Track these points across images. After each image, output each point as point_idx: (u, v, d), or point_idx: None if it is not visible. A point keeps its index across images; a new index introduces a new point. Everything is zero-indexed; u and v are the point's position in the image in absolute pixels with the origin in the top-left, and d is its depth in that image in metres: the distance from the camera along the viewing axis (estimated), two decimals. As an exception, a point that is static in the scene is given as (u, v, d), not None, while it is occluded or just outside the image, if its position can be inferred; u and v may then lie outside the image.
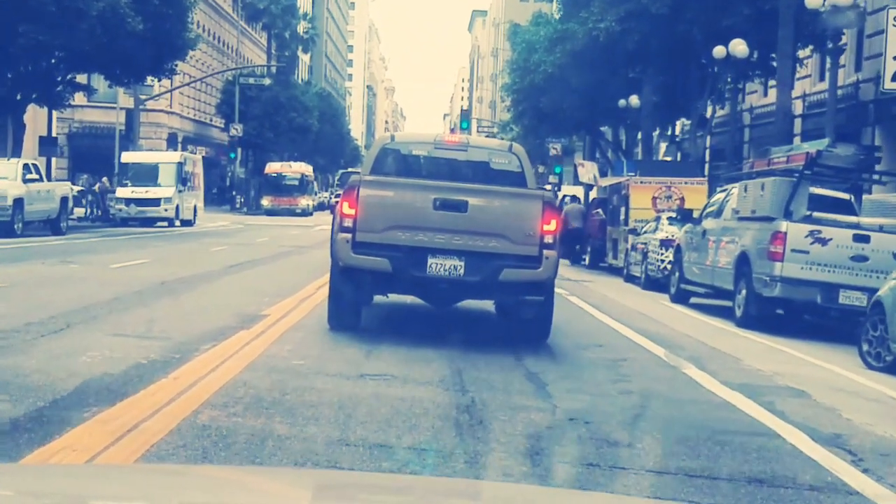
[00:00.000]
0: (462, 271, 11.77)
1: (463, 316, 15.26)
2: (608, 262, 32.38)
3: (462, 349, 11.78)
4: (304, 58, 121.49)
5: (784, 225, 16.36)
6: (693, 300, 21.33)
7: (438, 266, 11.77)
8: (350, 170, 79.57)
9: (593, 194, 42.25)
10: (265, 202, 72.66)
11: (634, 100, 43.08)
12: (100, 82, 63.54)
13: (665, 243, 24.55)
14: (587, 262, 34.10)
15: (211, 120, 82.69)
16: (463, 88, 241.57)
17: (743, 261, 17.48)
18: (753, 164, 18.74)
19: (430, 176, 12.69)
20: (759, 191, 17.17)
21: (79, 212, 45.93)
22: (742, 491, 6.68)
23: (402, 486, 3.80)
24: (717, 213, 19.80)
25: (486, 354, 11.61)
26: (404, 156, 13.25)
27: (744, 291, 17.32)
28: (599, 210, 35.12)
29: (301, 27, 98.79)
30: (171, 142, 70.16)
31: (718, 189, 21.74)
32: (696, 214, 24.50)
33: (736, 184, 19.66)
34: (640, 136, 49.61)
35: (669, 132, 46.53)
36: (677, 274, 21.61)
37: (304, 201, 73.06)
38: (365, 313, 13.09)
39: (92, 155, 65.08)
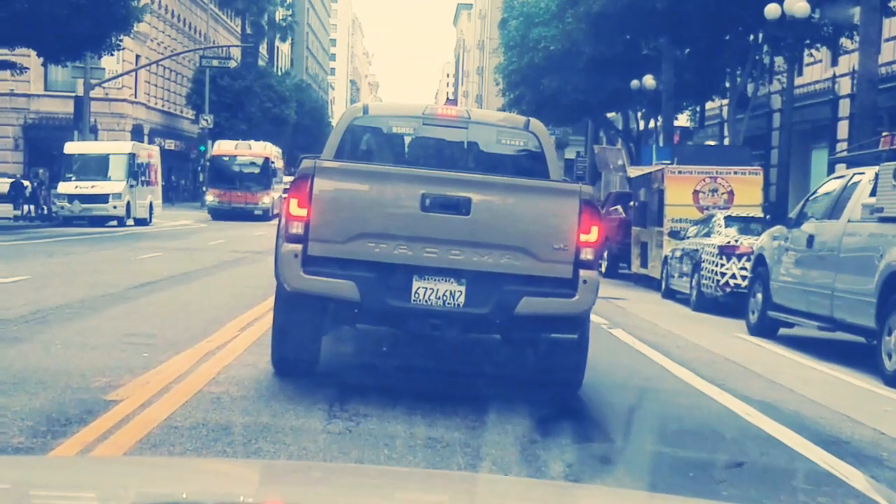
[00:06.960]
0: (462, 300, 8.48)
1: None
2: (632, 270, 26.84)
3: None
4: (285, 50, 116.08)
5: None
6: (782, 331, 15.34)
7: (428, 292, 8.47)
8: (308, 155, 67.24)
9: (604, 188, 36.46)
10: (209, 197, 52.01)
11: (649, 80, 37.51)
12: (58, 70, 58.24)
13: (725, 251, 18.76)
14: (603, 269, 28.49)
15: (181, 111, 77.50)
16: (448, 84, 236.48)
17: (894, 285, 11.41)
18: (893, 139, 12.67)
19: (418, 162, 9.39)
20: (929, 177, 11.07)
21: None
22: None
23: (399, 477, 3.76)
24: (833, 212, 13.61)
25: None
26: (383, 134, 9.91)
27: (898, 333, 11.27)
28: (618, 207, 29.67)
29: (279, 14, 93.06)
30: (137, 134, 64.87)
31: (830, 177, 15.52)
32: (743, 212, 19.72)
33: (862, 169, 13.53)
34: (653, 123, 43.80)
35: (695, 116, 40.57)
36: (759, 296, 15.52)
37: (266, 198, 50.91)
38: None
39: (50, 148, 60.93)
